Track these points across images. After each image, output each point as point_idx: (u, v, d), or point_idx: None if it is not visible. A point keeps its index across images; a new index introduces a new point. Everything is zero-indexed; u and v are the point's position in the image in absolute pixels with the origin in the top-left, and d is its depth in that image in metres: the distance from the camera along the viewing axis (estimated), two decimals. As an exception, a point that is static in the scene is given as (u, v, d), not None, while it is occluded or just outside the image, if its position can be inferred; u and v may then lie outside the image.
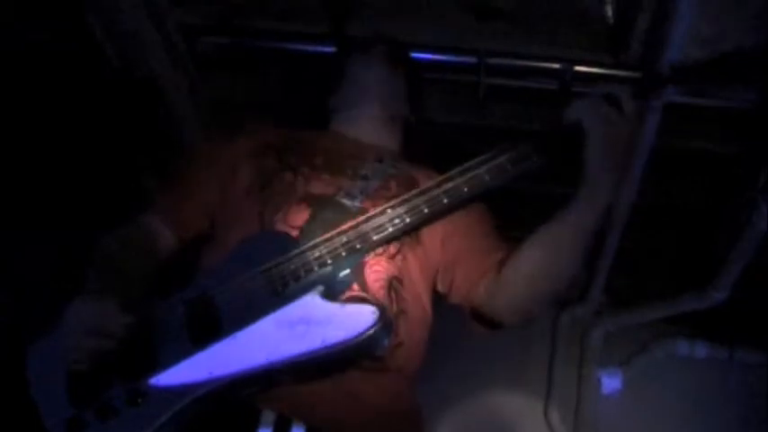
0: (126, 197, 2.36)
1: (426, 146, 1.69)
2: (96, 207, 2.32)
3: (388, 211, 1.36)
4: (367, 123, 1.68)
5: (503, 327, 1.50)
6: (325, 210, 1.42)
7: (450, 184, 1.36)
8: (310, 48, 2.24)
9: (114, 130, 2.34)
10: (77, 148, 2.31)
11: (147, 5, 2.06)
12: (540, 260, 1.39)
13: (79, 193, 2.35)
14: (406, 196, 1.38)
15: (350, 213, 1.42)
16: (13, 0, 2.01)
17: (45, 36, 2.07)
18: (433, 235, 1.49)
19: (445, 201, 1.36)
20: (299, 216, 1.41)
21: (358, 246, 1.33)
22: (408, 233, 1.42)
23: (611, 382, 3.13)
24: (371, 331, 1.22)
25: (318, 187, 1.48)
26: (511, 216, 1.58)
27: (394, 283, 1.41)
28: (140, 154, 2.43)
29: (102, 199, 2.35)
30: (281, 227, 1.40)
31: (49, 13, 2.05)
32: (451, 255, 1.51)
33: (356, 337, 1.21)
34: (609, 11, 2.08)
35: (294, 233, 1.38)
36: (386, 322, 1.24)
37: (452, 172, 1.37)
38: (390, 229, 1.35)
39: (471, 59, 2.22)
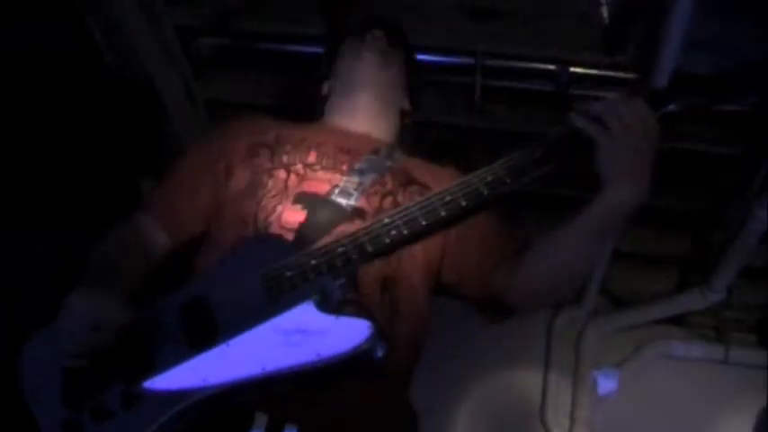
0: (125, 197, 2.36)
1: (422, 147, 1.68)
2: (96, 207, 2.32)
3: (386, 220, 1.33)
4: (361, 113, 1.62)
5: (509, 316, 1.49)
6: (320, 210, 1.40)
7: (448, 197, 1.33)
8: (307, 49, 2.25)
9: (113, 131, 2.35)
10: (77, 149, 2.32)
11: (143, 7, 2.07)
12: (559, 258, 1.37)
13: (79, 193, 2.35)
14: (403, 207, 1.36)
15: (345, 213, 1.41)
16: (13, 0, 2.02)
17: (44, 36, 2.08)
18: None
19: (443, 214, 1.33)
20: (294, 217, 1.40)
21: (354, 257, 1.31)
22: (405, 244, 1.39)
23: (606, 383, 3.13)
24: (365, 345, 1.22)
25: (313, 185, 1.45)
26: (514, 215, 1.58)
27: (388, 283, 1.39)
28: (139, 154, 2.44)
29: (102, 199, 2.36)
30: (275, 229, 1.39)
31: (48, 14, 2.06)
32: (454, 246, 1.48)
33: (350, 351, 1.21)
34: (605, 12, 2.09)
35: (289, 235, 1.37)
36: (379, 336, 1.24)
37: (451, 185, 1.34)
38: (387, 241, 1.32)
39: (468, 60, 2.23)
